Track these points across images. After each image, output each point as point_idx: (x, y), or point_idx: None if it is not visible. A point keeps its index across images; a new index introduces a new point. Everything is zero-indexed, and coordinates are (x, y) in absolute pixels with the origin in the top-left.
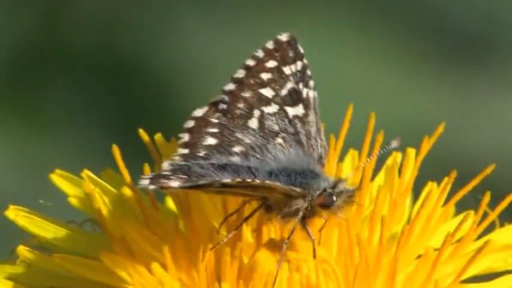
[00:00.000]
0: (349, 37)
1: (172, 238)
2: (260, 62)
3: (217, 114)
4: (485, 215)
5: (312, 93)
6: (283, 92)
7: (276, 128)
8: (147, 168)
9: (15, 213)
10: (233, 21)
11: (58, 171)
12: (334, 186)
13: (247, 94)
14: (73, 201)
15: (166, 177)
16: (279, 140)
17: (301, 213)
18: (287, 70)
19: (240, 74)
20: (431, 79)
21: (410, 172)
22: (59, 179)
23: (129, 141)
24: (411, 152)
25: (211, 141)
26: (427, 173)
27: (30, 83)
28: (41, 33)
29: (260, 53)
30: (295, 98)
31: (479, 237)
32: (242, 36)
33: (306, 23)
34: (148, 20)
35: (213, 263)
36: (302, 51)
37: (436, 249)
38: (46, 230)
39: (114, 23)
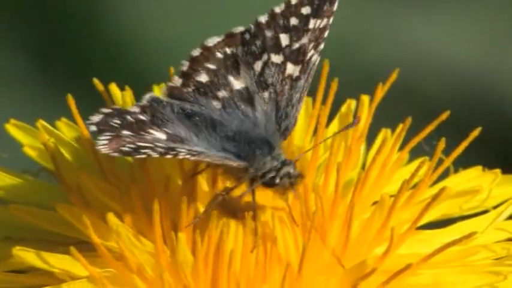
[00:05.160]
0: None
1: (128, 188)
2: (300, 3)
3: (227, 49)
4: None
5: (315, 58)
6: (296, 45)
7: (270, 81)
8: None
9: None
10: None
11: (13, 121)
12: (280, 168)
13: (269, 33)
14: (28, 151)
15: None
16: (265, 95)
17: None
18: (312, 23)
19: (279, 9)
20: None
21: (364, 119)
22: (13, 128)
23: (54, 64)
24: (365, 99)
25: (203, 77)
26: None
27: None
28: None
29: None
30: (300, 56)
31: (434, 183)
32: None
33: None
34: None
35: (169, 212)
36: (335, 9)
37: (391, 196)
38: (1, 180)
39: None
